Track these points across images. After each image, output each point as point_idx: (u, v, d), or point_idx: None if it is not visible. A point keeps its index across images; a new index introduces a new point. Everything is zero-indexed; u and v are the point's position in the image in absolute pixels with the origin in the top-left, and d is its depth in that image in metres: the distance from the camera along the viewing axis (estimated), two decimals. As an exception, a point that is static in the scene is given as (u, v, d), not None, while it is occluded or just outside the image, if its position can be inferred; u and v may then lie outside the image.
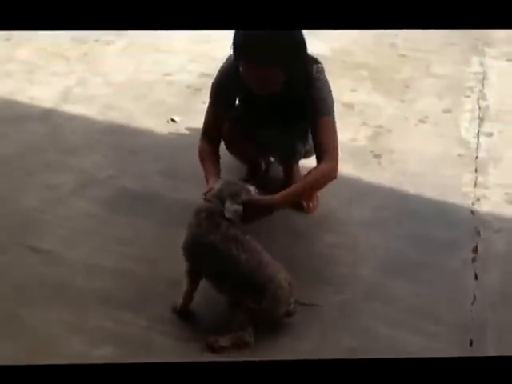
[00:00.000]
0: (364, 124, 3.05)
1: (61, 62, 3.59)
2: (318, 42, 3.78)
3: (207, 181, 2.19)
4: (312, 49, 3.61)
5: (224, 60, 2.35)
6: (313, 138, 2.31)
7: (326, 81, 2.33)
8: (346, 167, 2.71)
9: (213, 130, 2.36)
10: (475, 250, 2.33)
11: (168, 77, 3.44)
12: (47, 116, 3.05)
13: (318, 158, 2.29)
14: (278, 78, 2.20)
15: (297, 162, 2.57)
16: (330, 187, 2.59)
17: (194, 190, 2.36)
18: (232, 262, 1.94)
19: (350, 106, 3.18)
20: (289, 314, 2.00)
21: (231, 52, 2.23)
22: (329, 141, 2.26)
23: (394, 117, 3.12)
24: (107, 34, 3.88)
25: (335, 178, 2.28)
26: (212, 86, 2.38)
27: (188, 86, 3.34)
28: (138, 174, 2.61)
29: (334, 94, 3.23)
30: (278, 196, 2.15)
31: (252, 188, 2.06)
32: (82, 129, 2.98)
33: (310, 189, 2.34)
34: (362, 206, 2.53)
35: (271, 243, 2.13)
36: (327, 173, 2.25)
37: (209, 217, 1.97)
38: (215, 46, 3.72)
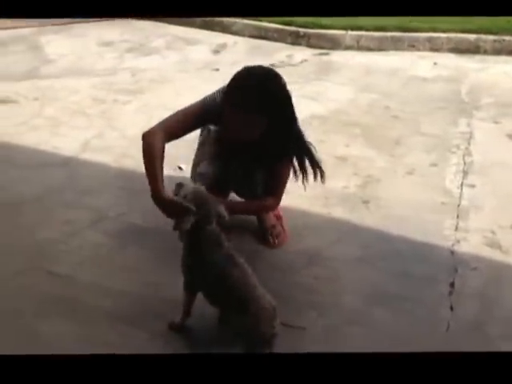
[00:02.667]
0: (355, 174, 3.31)
1: (82, 118, 3.95)
2: (316, 103, 4.14)
3: (156, 181, 2.31)
4: (310, 110, 3.99)
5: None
6: (269, 176, 2.62)
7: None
8: (336, 210, 2.98)
9: (176, 132, 2.50)
10: (452, 284, 2.53)
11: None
12: (67, 163, 3.36)
13: (266, 192, 2.64)
14: (260, 128, 2.44)
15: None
16: (319, 227, 2.85)
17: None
18: (223, 277, 2.12)
19: (343, 159, 3.45)
20: (273, 336, 2.15)
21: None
22: (281, 183, 2.64)
23: (384, 169, 3.39)
24: (125, 95, 4.26)
25: (273, 210, 2.75)
26: (203, 100, 2.54)
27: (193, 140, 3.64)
28: (145, 211, 2.86)
29: (329, 149, 3.55)
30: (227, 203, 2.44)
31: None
32: (98, 174, 3.28)
33: (252, 212, 2.77)
34: (349, 245, 2.75)
35: (257, 274, 2.29)
36: (269, 206, 2.70)
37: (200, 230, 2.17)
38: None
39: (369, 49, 5.39)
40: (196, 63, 5.15)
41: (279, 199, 2.69)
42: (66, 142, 3.57)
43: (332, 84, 4.43)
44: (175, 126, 2.50)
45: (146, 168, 2.39)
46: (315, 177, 2.66)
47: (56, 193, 3.09)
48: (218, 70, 4.75)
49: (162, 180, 2.35)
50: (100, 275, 2.52)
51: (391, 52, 5.20)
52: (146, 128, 2.52)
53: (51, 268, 2.54)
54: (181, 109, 2.55)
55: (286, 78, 4.45)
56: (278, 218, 2.83)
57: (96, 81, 4.60)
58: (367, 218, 2.94)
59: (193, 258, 2.19)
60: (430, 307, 2.42)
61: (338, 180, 3.22)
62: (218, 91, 2.55)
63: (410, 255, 2.70)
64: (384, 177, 3.31)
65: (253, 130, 2.45)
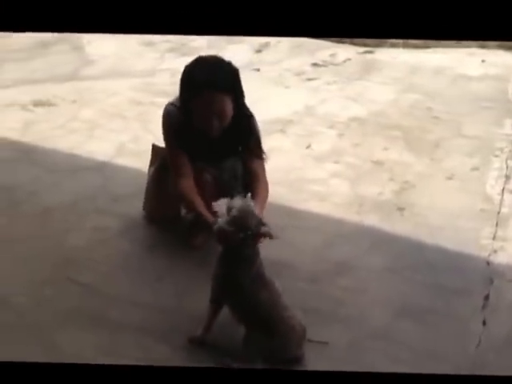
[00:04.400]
0: (391, 179, 3.25)
1: (119, 120, 4.00)
2: (357, 105, 4.08)
3: (203, 210, 2.44)
4: (350, 111, 3.94)
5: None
6: (250, 175, 2.62)
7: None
8: (369, 217, 2.95)
9: (186, 168, 2.58)
10: (486, 297, 2.47)
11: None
12: (102, 167, 3.42)
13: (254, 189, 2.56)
14: (230, 109, 2.46)
15: None
16: (350, 235, 2.82)
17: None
18: (252, 298, 2.15)
19: (379, 164, 3.40)
20: (299, 358, 2.17)
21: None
22: (263, 180, 2.64)
23: (422, 174, 3.31)
24: (163, 97, 4.31)
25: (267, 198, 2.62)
26: (164, 132, 2.65)
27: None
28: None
29: (365, 153, 3.50)
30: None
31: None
32: (132, 179, 3.31)
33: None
34: (380, 254, 2.72)
35: (282, 284, 2.31)
36: (266, 196, 2.59)
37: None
38: (258, 109, 4.07)
39: (415, 46, 5.25)
40: (236, 63, 5.15)
41: (267, 184, 2.64)
42: (101, 146, 3.64)
43: (374, 84, 4.35)
44: (184, 167, 2.59)
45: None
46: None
47: (88, 199, 3.15)
48: (258, 70, 4.75)
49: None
50: (126, 286, 2.56)
51: (438, 49, 5.06)
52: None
53: (77, 277, 2.60)
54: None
55: (328, 77, 4.42)
56: None
57: (135, 82, 4.66)
58: (401, 226, 2.89)
59: (224, 272, 2.22)
60: (461, 321, 2.37)
61: (373, 186, 3.18)
62: (171, 104, 2.64)
63: (444, 266, 2.65)
64: (421, 182, 3.24)
65: (225, 112, 2.46)
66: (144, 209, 2.93)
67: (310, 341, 2.21)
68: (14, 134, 3.87)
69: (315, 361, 2.18)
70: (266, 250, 2.70)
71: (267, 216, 2.90)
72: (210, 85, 2.41)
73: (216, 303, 2.23)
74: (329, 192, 3.14)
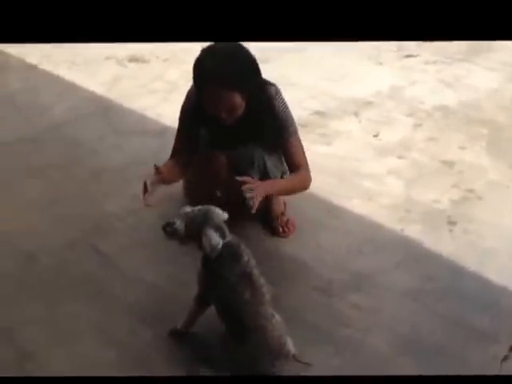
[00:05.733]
0: (455, 186, 2.83)
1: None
2: (450, 91, 3.60)
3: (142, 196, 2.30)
4: (438, 98, 3.48)
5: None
6: (285, 159, 2.42)
7: (285, 101, 2.38)
8: (412, 227, 2.60)
9: (180, 155, 2.44)
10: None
11: (282, 110, 3.53)
12: (163, 133, 3.33)
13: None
14: (239, 102, 2.23)
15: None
16: (384, 245, 2.50)
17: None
18: (231, 296, 1.93)
19: (449, 164, 2.97)
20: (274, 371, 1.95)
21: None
22: (300, 158, 2.40)
23: (494, 183, 2.85)
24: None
25: (308, 187, 2.45)
26: (180, 111, 2.47)
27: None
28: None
29: (437, 150, 3.09)
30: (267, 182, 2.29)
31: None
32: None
33: (295, 189, 2.43)
34: (409, 272, 2.37)
35: (294, 290, 2.14)
36: (305, 180, 2.41)
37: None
38: (341, 86, 3.74)
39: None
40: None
41: (309, 173, 2.43)
42: (171, 110, 3.51)
43: (479, 68, 3.81)
44: (178, 153, 2.48)
45: None
46: None
47: (139, 164, 3.07)
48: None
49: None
50: (139, 263, 2.48)
51: None
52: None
53: (99, 245, 2.57)
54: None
55: (429, 56, 3.94)
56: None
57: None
58: (445, 244, 2.50)
59: (206, 270, 2.05)
60: (472, 368, 2.01)
61: (431, 190, 2.80)
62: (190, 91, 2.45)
63: (479, 301, 2.25)
64: (490, 194, 2.78)
65: (233, 106, 2.24)
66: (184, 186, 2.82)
67: (297, 360, 2.00)
68: (101, 89, 3.92)
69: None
70: (291, 245, 2.53)
71: (304, 206, 2.69)
72: (216, 81, 2.17)
73: (199, 302, 2.08)
74: (379, 191, 2.81)
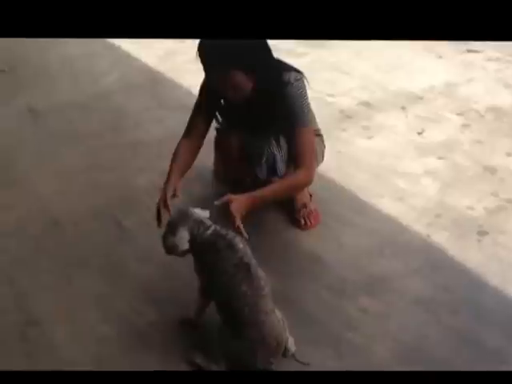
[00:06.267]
0: (493, 194, 2.64)
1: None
2: (508, 92, 3.37)
3: (168, 177, 2.25)
4: (493, 99, 3.26)
5: None
6: (288, 148, 2.28)
7: (303, 90, 2.24)
8: (439, 234, 2.46)
9: (194, 134, 2.37)
10: (523, 372, 1.93)
11: (329, 97, 3.42)
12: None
13: (294, 167, 2.27)
14: (243, 82, 2.14)
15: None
16: (405, 249, 2.38)
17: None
18: (228, 286, 1.86)
19: (491, 170, 2.78)
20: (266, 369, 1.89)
21: None
22: (304, 151, 2.25)
23: (537, 195, 2.66)
24: (300, 47, 3.99)
25: (310, 184, 2.34)
26: (200, 88, 2.38)
27: (341, 111, 3.29)
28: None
29: (482, 155, 2.91)
30: (244, 196, 2.09)
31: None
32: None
33: (284, 193, 2.30)
34: (425, 280, 2.24)
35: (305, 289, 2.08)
36: (302, 179, 2.27)
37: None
38: (394, 77, 3.58)
39: None
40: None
41: (309, 168, 2.27)
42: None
43: (547, 70, 3.55)
44: (193, 130, 2.39)
45: None
46: None
47: (177, 140, 3.08)
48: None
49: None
50: (157, 241, 2.42)
51: None
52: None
53: (122, 219, 2.59)
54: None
55: (492, 52, 3.73)
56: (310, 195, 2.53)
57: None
58: (471, 254, 2.35)
59: (200, 263, 1.98)
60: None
61: (467, 196, 2.63)
62: None
63: (493, 317, 2.09)
64: (530, 206, 2.60)
65: (237, 86, 2.16)
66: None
67: (295, 359, 1.94)
68: (154, 61, 3.93)
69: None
70: (310, 238, 2.45)
71: (331, 200, 2.61)
72: (212, 62, 2.12)
73: (203, 291, 2.03)
74: (412, 192, 2.67)
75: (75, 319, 2.15)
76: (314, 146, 2.31)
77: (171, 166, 2.31)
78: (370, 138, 3.04)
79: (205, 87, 2.36)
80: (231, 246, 1.89)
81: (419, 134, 3.04)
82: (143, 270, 2.35)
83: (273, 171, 2.32)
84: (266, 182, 2.34)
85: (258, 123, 2.31)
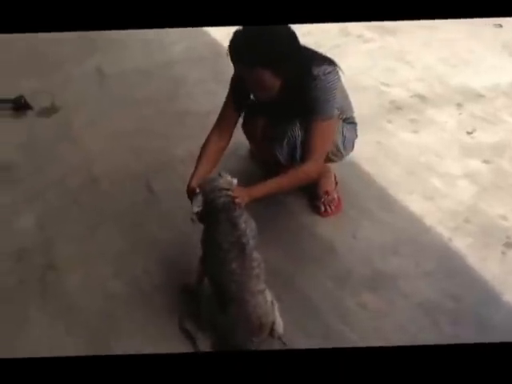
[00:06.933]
0: (531, 205, 2.48)
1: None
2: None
3: (196, 168, 2.24)
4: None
5: None
6: (303, 138, 2.23)
7: (333, 83, 2.15)
8: (462, 240, 2.34)
9: (224, 126, 2.33)
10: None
11: (383, 86, 3.30)
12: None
13: (301, 158, 2.23)
14: (271, 81, 2.09)
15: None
16: (423, 251, 2.29)
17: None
18: (221, 262, 1.89)
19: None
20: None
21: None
22: (316, 144, 2.20)
23: None
24: (370, 32, 3.86)
25: (314, 178, 2.33)
26: (230, 81, 2.33)
27: (392, 102, 3.16)
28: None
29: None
30: (246, 189, 2.04)
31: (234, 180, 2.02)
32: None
33: (287, 184, 2.24)
34: (433, 285, 2.14)
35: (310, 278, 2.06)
36: (307, 172, 2.22)
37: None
38: (457, 72, 3.40)
39: None
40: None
41: (317, 161, 2.22)
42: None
43: None
44: (223, 124, 2.35)
45: None
46: None
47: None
48: (500, 26, 3.87)
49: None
50: (181, 211, 2.45)
51: None
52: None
53: (154, 185, 2.67)
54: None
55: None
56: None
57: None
58: (490, 265, 2.21)
59: (203, 234, 2.02)
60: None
61: (502, 205, 2.47)
62: None
63: (496, 332, 1.97)
64: None
65: (263, 85, 2.11)
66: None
67: (279, 339, 1.94)
68: (222, 35, 3.92)
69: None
70: (326, 226, 2.41)
71: (359, 191, 2.55)
72: (240, 61, 2.08)
73: (202, 261, 2.07)
74: (444, 193, 2.54)
75: (89, 271, 2.27)
76: (329, 140, 2.26)
77: (200, 156, 2.31)
78: (414, 132, 2.91)
79: (234, 81, 2.35)
80: (233, 223, 1.92)
81: (469, 133, 2.88)
82: (162, 235, 2.41)
83: (293, 156, 2.29)
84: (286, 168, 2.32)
85: (283, 111, 2.29)
